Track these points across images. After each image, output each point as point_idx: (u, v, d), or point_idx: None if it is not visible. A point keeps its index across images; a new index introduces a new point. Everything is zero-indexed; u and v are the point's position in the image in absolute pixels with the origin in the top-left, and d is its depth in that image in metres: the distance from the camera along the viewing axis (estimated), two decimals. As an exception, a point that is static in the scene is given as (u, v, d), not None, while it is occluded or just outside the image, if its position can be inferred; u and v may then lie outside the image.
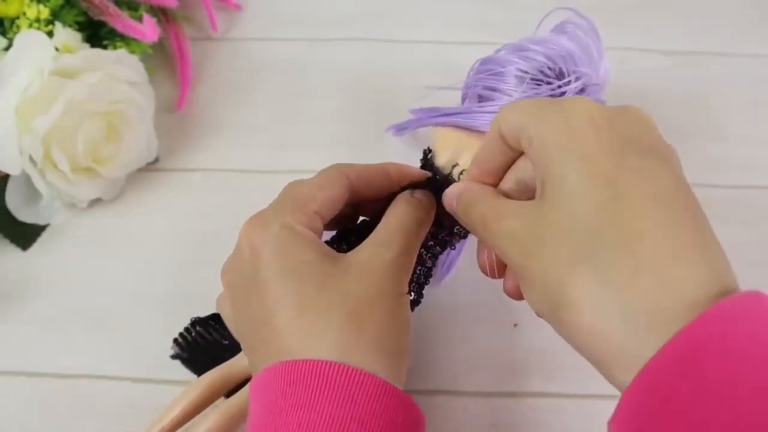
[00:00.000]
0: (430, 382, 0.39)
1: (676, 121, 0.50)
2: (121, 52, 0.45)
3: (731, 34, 0.55)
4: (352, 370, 0.26)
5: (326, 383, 0.26)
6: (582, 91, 0.37)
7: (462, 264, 0.43)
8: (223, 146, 0.49)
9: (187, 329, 0.40)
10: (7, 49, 0.43)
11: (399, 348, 0.29)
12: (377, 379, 0.26)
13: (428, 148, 0.37)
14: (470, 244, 0.44)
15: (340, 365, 0.26)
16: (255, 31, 0.56)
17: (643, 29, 0.55)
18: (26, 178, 0.43)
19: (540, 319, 0.41)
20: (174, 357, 0.39)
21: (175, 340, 0.40)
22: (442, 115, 0.39)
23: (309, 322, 0.28)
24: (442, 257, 0.43)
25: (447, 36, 0.53)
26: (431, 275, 0.35)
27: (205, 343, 0.39)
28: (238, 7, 0.57)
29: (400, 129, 0.44)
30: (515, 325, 0.41)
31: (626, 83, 0.52)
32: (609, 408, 0.38)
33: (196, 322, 0.40)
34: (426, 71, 0.49)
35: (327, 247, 0.31)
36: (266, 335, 0.28)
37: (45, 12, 0.44)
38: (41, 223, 0.45)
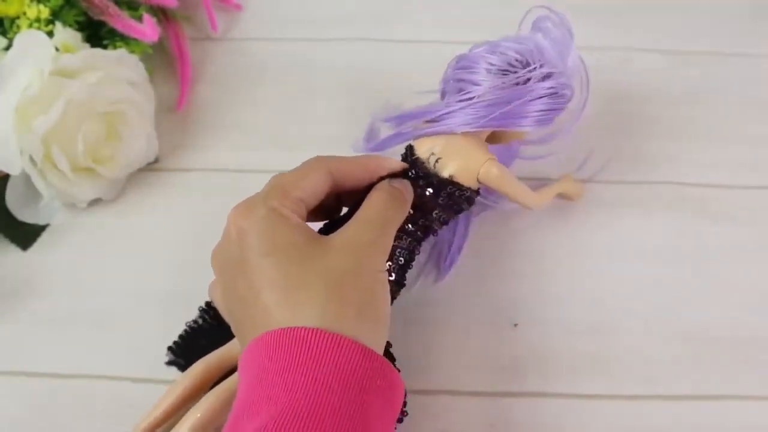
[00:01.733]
0: (430, 382, 0.39)
1: (676, 121, 0.50)
2: (121, 52, 0.45)
3: (731, 34, 0.55)
4: (334, 336, 0.28)
5: (309, 348, 0.27)
6: (547, 77, 0.39)
7: (462, 264, 0.43)
8: (223, 146, 0.49)
9: (181, 336, 0.40)
10: (7, 49, 0.43)
11: (377, 317, 0.31)
12: (356, 343, 0.28)
13: (410, 144, 0.39)
14: (470, 242, 0.44)
15: (322, 331, 0.28)
16: (255, 31, 0.56)
17: (643, 29, 0.55)
18: (26, 178, 0.43)
19: (540, 319, 0.42)
20: (170, 364, 0.40)
21: (170, 348, 0.40)
22: (415, 125, 0.41)
23: (294, 297, 0.29)
24: (443, 253, 0.43)
25: (447, 36, 0.53)
26: (413, 259, 0.37)
27: (199, 348, 0.39)
28: (238, 7, 0.57)
29: (380, 147, 0.44)
30: (515, 325, 0.41)
31: (626, 83, 0.52)
32: (608, 408, 0.38)
33: (190, 328, 0.40)
34: (426, 71, 0.48)
35: (311, 229, 0.32)
36: (254, 312, 0.30)
37: (45, 12, 0.45)
38: (41, 223, 0.45)
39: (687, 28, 0.55)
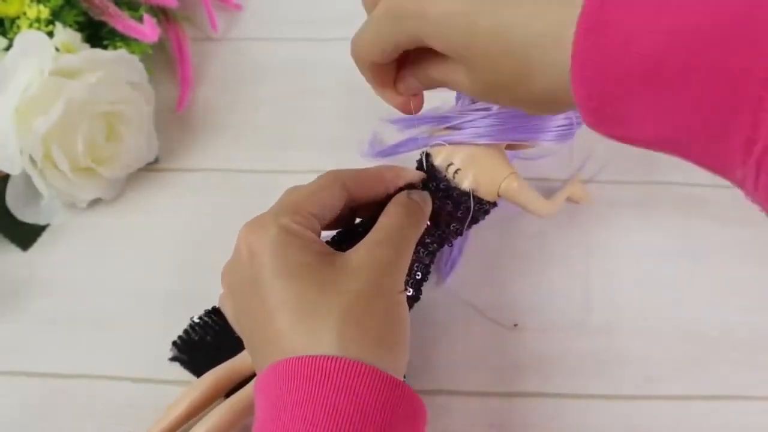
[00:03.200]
0: (429, 382, 0.39)
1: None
2: (121, 52, 0.45)
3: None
4: (352, 363, 0.27)
5: (328, 377, 0.26)
6: None
7: (462, 264, 0.43)
8: (223, 146, 0.49)
9: (186, 331, 0.40)
10: (7, 49, 0.43)
11: (397, 342, 0.30)
12: (376, 371, 0.27)
13: (424, 151, 0.38)
14: (471, 243, 0.44)
15: (339, 359, 0.27)
16: (255, 31, 0.56)
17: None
18: (26, 178, 0.43)
19: (540, 319, 0.42)
20: (173, 359, 0.39)
21: (174, 343, 0.40)
22: (430, 131, 0.39)
23: (309, 322, 0.28)
24: (444, 256, 0.43)
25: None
26: (429, 272, 0.36)
27: (203, 345, 0.39)
28: (238, 7, 0.57)
29: (390, 152, 0.43)
30: (515, 325, 0.41)
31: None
32: (608, 408, 0.38)
33: (195, 324, 0.40)
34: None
35: (325, 247, 0.31)
36: (268, 336, 0.29)
37: (45, 12, 0.44)
38: (41, 223, 0.45)
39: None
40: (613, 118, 0.25)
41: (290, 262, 0.29)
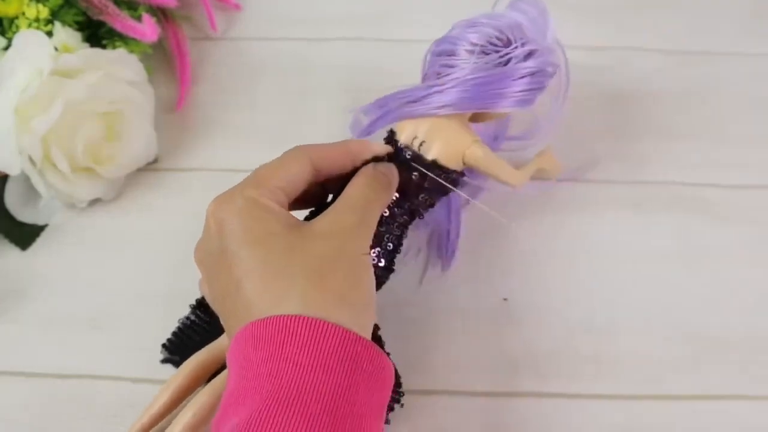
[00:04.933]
0: (429, 382, 0.39)
1: (676, 121, 0.50)
2: (120, 52, 0.45)
3: (730, 34, 0.55)
4: (315, 321, 0.28)
5: (292, 335, 0.27)
6: (529, 55, 0.38)
7: (461, 264, 0.43)
8: (223, 146, 0.49)
9: (174, 333, 0.40)
10: (6, 48, 0.43)
11: (361, 301, 0.30)
12: (339, 328, 0.28)
13: (390, 128, 0.39)
14: (470, 243, 0.44)
15: (303, 317, 0.28)
16: (255, 30, 0.56)
17: (643, 29, 0.55)
18: (25, 178, 0.43)
19: (539, 319, 0.42)
20: (164, 361, 0.40)
21: (164, 345, 0.40)
22: (397, 106, 0.40)
23: (275, 286, 0.29)
24: (443, 244, 0.44)
25: (447, 36, 0.53)
26: (401, 244, 0.37)
27: (193, 345, 0.39)
28: (237, 7, 0.57)
29: (365, 133, 0.44)
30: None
31: (626, 83, 0.52)
32: (608, 408, 0.38)
33: (183, 325, 0.40)
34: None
35: (291, 217, 0.32)
36: (237, 304, 0.30)
37: (44, 12, 0.44)
38: (41, 223, 0.45)
39: (686, 27, 0.55)
40: None
41: (256, 232, 0.30)
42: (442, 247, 0.44)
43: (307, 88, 0.52)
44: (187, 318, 0.41)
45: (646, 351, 0.40)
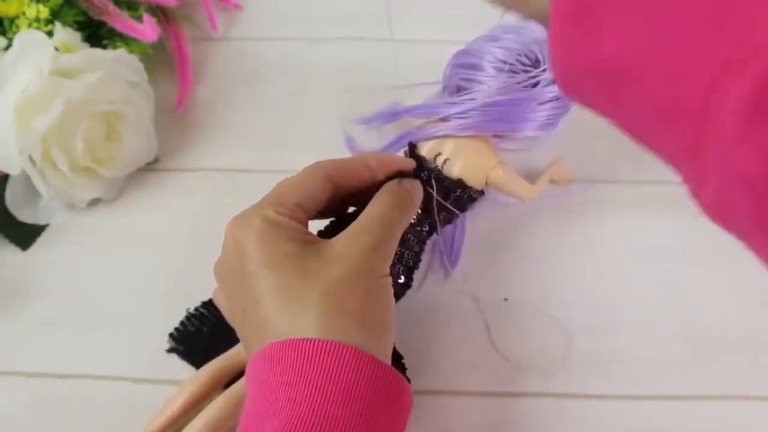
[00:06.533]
0: (430, 382, 0.39)
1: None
2: (120, 52, 0.45)
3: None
4: (334, 345, 0.27)
5: (310, 359, 0.27)
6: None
7: (462, 264, 0.43)
8: (223, 146, 0.49)
9: (182, 323, 0.40)
10: (6, 48, 0.43)
11: (380, 324, 0.30)
12: (357, 351, 0.28)
13: (410, 142, 0.39)
14: (471, 243, 0.44)
15: (320, 341, 0.27)
16: (255, 30, 0.56)
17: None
18: (26, 178, 0.43)
19: (539, 319, 0.42)
20: (170, 351, 0.40)
21: (171, 335, 0.40)
22: (420, 125, 0.40)
23: (292, 308, 0.29)
24: (447, 249, 0.43)
25: (447, 36, 0.53)
26: (420, 260, 0.37)
27: (200, 336, 0.39)
28: (238, 7, 0.57)
29: (370, 121, 0.44)
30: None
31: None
32: (608, 408, 0.38)
33: (191, 316, 0.40)
34: (426, 71, 0.48)
35: (310, 235, 0.32)
36: (256, 323, 0.30)
37: (44, 12, 0.44)
38: (41, 223, 0.45)
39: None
40: (586, 26, 0.23)
41: (274, 252, 0.30)
42: (446, 254, 0.43)
43: (307, 88, 0.52)
44: (197, 309, 0.41)
45: (646, 351, 0.40)
